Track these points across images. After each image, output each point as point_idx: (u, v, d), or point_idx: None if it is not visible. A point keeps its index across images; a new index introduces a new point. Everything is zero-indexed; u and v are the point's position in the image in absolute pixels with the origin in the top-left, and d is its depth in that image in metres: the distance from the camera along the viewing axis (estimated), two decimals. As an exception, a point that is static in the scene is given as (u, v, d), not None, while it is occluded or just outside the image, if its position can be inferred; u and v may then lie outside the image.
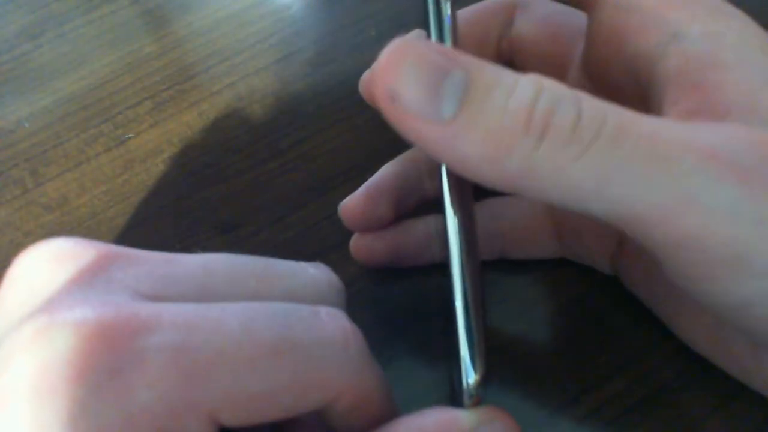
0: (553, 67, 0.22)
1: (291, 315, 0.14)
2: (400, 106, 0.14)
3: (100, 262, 0.14)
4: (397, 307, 0.23)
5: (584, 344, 0.21)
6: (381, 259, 0.22)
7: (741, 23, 0.17)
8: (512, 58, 0.23)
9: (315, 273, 0.17)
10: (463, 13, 0.23)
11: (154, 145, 0.28)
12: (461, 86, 0.14)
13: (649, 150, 0.14)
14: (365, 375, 0.15)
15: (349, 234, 0.23)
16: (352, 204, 0.22)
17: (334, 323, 0.15)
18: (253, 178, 0.27)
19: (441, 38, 0.17)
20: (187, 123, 0.29)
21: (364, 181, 0.22)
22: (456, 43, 0.17)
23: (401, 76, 0.14)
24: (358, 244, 0.22)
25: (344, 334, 0.15)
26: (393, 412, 0.16)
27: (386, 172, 0.22)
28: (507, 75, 0.15)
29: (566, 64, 0.22)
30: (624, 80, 0.19)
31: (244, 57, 0.31)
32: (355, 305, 0.23)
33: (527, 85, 0.14)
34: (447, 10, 0.17)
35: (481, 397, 0.17)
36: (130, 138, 0.29)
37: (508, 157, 0.14)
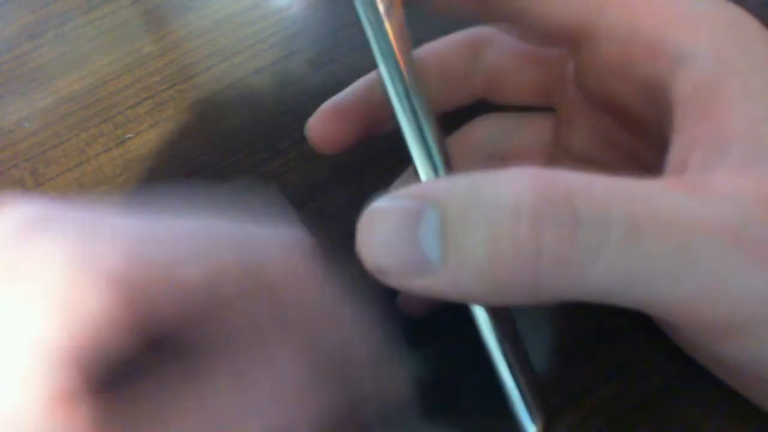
0: (540, 94, 0.22)
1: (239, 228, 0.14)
2: (391, 276, 0.14)
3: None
4: (395, 309, 0.23)
5: (584, 344, 0.21)
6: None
7: (745, 36, 0.16)
8: (489, 95, 0.22)
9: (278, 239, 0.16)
10: (423, 51, 0.22)
11: (154, 145, 0.28)
12: (436, 228, 0.13)
13: (669, 240, 0.13)
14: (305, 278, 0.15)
15: (349, 234, 0.23)
16: (318, 123, 0.21)
17: (290, 230, 0.15)
18: (253, 178, 0.27)
19: (384, 49, 0.17)
20: (187, 123, 0.29)
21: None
22: (404, 50, 0.17)
23: (376, 248, 0.14)
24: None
25: (296, 239, 0.14)
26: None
27: (358, 86, 0.21)
28: (483, 187, 0.13)
29: (554, 88, 0.21)
30: (635, 103, 0.18)
31: (244, 57, 0.31)
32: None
33: (507, 196, 0.13)
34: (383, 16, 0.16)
35: None
36: (130, 138, 0.29)
37: (510, 284, 0.13)
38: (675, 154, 0.16)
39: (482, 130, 0.23)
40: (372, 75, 0.21)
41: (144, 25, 0.33)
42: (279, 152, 0.27)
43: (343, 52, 0.31)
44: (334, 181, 0.26)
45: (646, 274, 0.13)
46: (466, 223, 0.13)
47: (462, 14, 0.20)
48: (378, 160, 0.23)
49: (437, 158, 0.17)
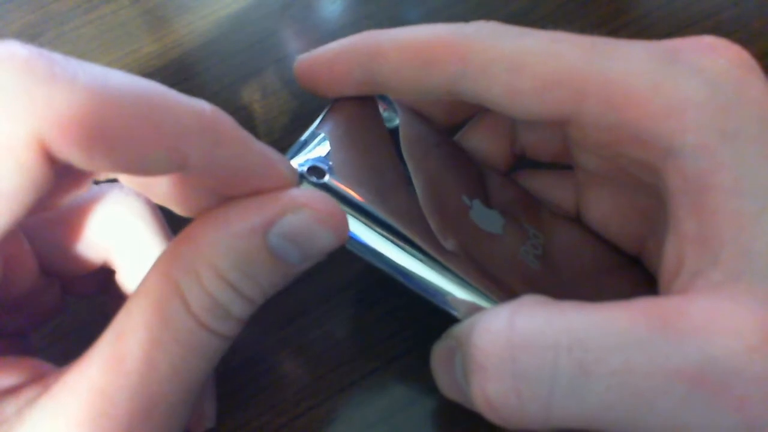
0: (562, 156, 0.22)
1: None
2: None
3: None
4: (396, 308, 0.23)
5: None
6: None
7: (737, 119, 0.16)
8: (524, 155, 0.23)
9: None
10: (469, 133, 0.23)
11: (155, 145, 0.28)
12: (461, 365, 0.16)
13: (624, 387, 0.14)
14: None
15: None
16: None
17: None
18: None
19: None
20: (187, 123, 0.29)
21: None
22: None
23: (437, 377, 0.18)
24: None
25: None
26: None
27: None
28: (470, 337, 0.16)
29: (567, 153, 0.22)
30: (633, 172, 0.18)
31: (244, 57, 0.31)
32: (355, 306, 0.23)
33: (477, 352, 0.16)
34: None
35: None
36: (130, 138, 0.29)
37: (502, 421, 0.16)
38: (670, 250, 0.16)
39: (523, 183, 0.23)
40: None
41: (144, 25, 0.33)
42: (279, 152, 0.27)
43: (343, 52, 0.31)
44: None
45: (604, 419, 0.14)
46: (467, 366, 0.16)
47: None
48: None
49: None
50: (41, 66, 0.13)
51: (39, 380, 0.16)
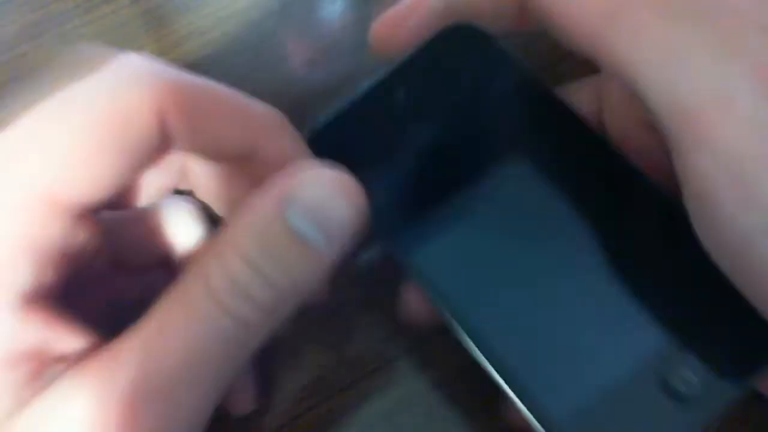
0: None
1: None
2: None
3: None
4: (396, 308, 0.23)
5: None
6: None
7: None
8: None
9: None
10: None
11: (155, 145, 0.28)
12: None
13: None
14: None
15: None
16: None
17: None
18: (254, 178, 0.27)
19: None
20: (187, 123, 0.29)
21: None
22: None
23: None
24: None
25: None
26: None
27: None
28: None
29: None
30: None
31: (244, 57, 0.31)
32: (355, 306, 0.23)
33: None
34: None
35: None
36: (130, 138, 0.29)
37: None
38: None
39: None
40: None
41: (144, 25, 0.33)
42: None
43: (344, 52, 0.31)
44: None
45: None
46: None
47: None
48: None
49: None
50: (153, 62, 0.18)
51: (83, 356, 0.16)
